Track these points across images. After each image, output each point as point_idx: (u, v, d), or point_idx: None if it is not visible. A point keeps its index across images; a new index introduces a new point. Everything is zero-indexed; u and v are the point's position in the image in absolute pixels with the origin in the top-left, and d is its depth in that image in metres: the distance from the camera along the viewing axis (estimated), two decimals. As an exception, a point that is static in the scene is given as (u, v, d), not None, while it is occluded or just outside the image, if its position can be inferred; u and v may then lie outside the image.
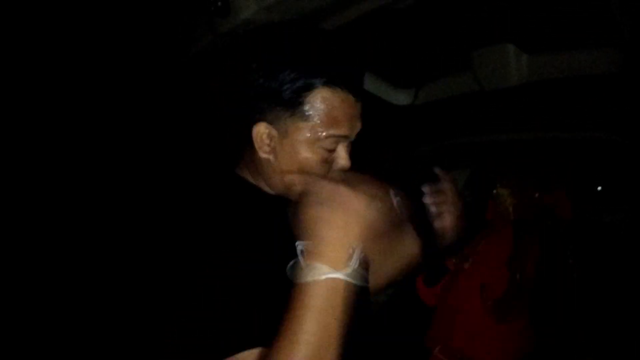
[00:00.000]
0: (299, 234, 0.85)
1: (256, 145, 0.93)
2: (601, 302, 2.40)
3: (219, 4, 1.35)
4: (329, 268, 0.80)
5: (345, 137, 0.92)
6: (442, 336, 2.26)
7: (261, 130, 0.92)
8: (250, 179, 0.99)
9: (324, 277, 0.79)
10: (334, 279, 0.80)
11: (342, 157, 0.94)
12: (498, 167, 2.43)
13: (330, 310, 0.79)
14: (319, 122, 0.89)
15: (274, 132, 0.91)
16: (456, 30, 1.99)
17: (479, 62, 2.08)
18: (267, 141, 0.92)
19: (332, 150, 0.92)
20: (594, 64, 1.93)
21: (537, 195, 2.32)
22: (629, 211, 2.48)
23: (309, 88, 0.88)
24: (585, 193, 2.91)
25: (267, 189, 0.98)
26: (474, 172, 3.34)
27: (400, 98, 2.45)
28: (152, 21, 1.72)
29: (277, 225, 0.92)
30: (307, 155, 0.91)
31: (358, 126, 0.94)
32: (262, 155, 0.93)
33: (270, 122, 0.91)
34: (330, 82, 0.88)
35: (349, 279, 0.81)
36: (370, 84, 2.31)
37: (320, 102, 0.89)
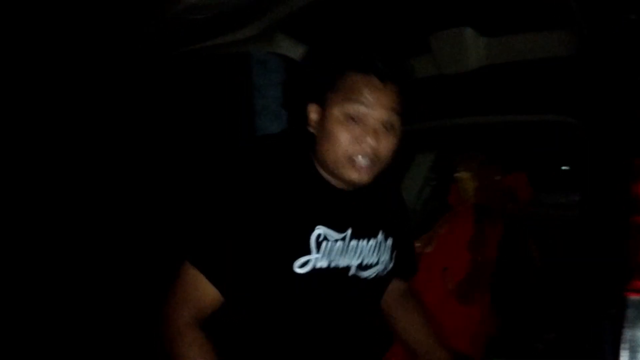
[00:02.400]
0: None
1: (308, 124, 1.13)
2: (561, 281, 2.44)
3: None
4: None
5: (366, 106, 1.06)
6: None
7: (311, 109, 1.13)
8: (315, 164, 1.15)
9: None
10: None
11: (371, 132, 1.07)
12: (459, 150, 2.43)
13: None
14: (349, 95, 1.07)
15: (319, 109, 1.11)
16: (414, 14, 1.98)
17: (437, 46, 2.08)
18: (314, 117, 1.12)
19: (362, 126, 1.07)
20: (550, 47, 1.94)
21: (498, 178, 2.34)
22: (584, 192, 2.52)
23: (343, 71, 1.08)
24: (544, 175, 2.94)
25: (324, 175, 1.15)
26: (440, 156, 3.35)
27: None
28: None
29: (308, 203, 1.12)
30: (339, 126, 1.07)
31: (387, 107, 1.08)
32: (311, 130, 1.13)
33: (318, 103, 1.11)
34: (357, 68, 1.07)
35: None
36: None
37: (351, 81, 1.07)
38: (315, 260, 1.12)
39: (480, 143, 2.61)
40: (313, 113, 1.12)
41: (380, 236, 1.24)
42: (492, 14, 1.99)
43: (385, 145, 1.10)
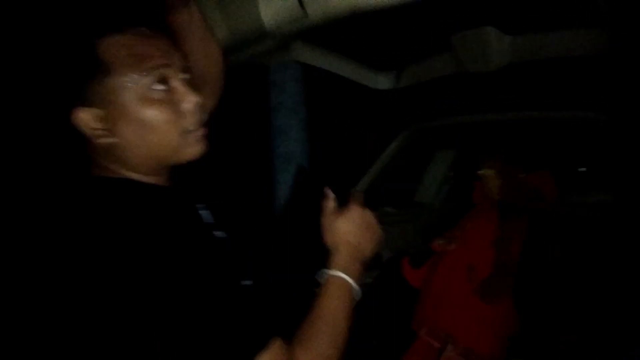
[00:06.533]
0: (329, 240, 1.03)
1: (90, 136, 0.83)
2: (585, 283, 2.41)
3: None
4: (350, 278, 0.98)
5: (165, 65, 0.82)
6: (428, 318, 2.25)
7: (82, 117, 0.82)
8: (118, 174, 0.86)
9: (350, 285, 0.98)
10: (352, 288, 0.98)
11: (184, 92, 0.84)
12: (484, 147, 2.41)
13: (348, 309, 0.95)
14: (127, 67, 0.80)
15: (98, 111, 0.81)
16: (435, 14, 1.96)
17: (459, 46, 2.06)
18: (98, 125, 0.82)
19: (166, 91, 0.83)
20: (576, 45, 1.91)
21: (522, 176, 2.31)
22: (614, 191, 2.49)
23: (92, 45, 0.80)
24: (570, 173, 2.91)
25: (139, 177, 0.87)
26: (459, 154, 3.33)
27: (382, 82, 2.43)
28: None
29: (182, 215, 0.87)
30: (147, 110, 0.81)
31: (175, 54, 0.85)
32: (105, 142, 0.83)
33: (86, 104, 0.81)
34: (114, 28, 0.81)
35: (358, 289, 0.99)
36: (350, 70, 2.29)
37: (115, 49, 0.80)
38: None
39: (502, 141, 2.58)
40: (91, 121, 0.82)
41: None
42: (516, 12, 1.97)
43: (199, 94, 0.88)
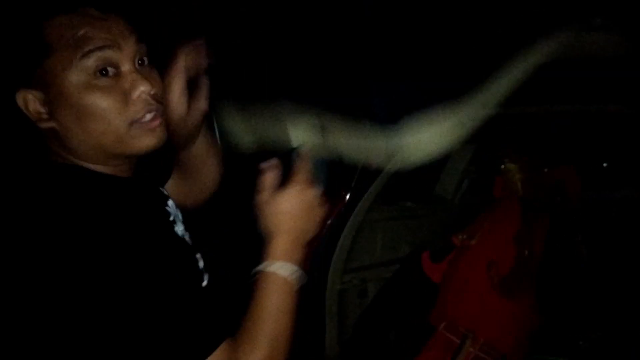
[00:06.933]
0: (265, 224, 0.89)
1: (34, 120, 0.78)
2: (609, 279, 2.37)
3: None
4: (291, 270, 0.86)
5: (111, 47, 0.77)
6: (447, 313, 2.24)
7: (26, 99, 0.77)
8: (68, 161, 0.82)
9: (290, 280, 0.85)
10: (292, 281, 0.86)
11: (134, 79, 0.78)
12: (506, 141, 2.37)
13: (287, 304, 0.84)
14: (67, 48, 0.75)
15: (38, 94, 0.77)
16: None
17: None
18: (40, 108, 0.77)
19: (113, 77, 0.78)
20: (598, 47, 1.88)
21: (546, 170, 2.28)
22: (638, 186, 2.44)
23: (39, 26, 0.76)
24: (594, 168, 2.86)
25: (92, 166, 0.82)
26: (480, 148, 3.28)
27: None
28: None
29: (140, 207, 0.82)
30: (92, 93, 0.76)
31: (129, 38, 0.80)
32: (46, 126, 0.78)
33: (28, 85, 0.77)
34: (64, 8, 0.76)
35: (302, 274, 0.88)
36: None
37: (66, 28, 0.75)
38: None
39: (527, 134, 2.54)
40: (32, 102, 0.77)
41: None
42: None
43: (157, 83, 0.83)
